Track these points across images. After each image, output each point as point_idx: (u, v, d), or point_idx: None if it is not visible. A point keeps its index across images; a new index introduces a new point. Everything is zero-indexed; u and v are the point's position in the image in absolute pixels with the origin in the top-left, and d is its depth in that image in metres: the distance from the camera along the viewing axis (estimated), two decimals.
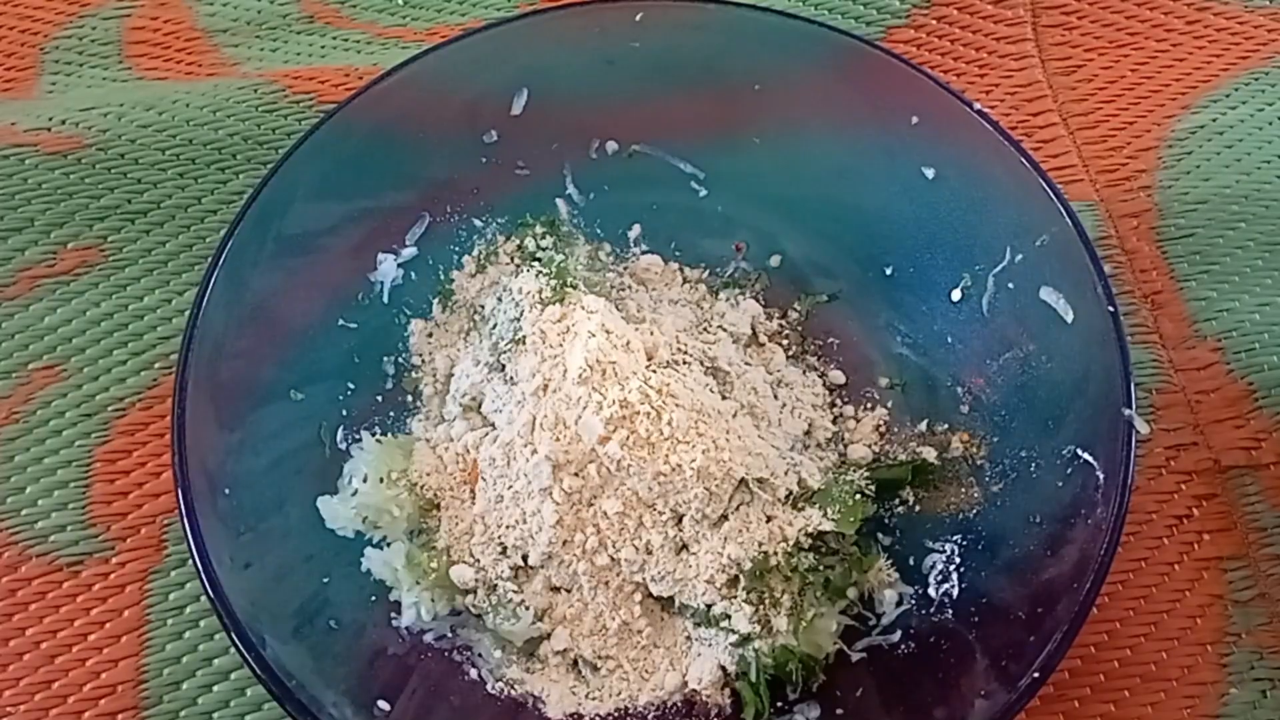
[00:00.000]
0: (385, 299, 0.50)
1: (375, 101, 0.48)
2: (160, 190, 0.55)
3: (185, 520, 0.40)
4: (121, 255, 0.54)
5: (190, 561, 0.40)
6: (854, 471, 0.47)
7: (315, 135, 0.47)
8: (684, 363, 0.48)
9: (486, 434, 0.47)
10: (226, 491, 0.42)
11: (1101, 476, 0.41)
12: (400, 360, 0.50)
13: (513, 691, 0.44)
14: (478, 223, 0.52)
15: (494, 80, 0.50)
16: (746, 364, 0.50)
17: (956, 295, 0.49)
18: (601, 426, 0.43)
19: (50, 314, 0.53)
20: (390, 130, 0.49)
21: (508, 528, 0.45)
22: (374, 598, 0.45)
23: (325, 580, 0.44)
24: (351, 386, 0.49)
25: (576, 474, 0.44)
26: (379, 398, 0.49)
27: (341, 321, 0.49)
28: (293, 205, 0.47)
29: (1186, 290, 0.54)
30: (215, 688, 0.46)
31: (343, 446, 0.47)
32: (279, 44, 0.61)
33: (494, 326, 0.49)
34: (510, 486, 0.45)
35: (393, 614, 0.45)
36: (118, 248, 0.54)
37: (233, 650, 0.44)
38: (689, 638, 0.45)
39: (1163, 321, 0.53)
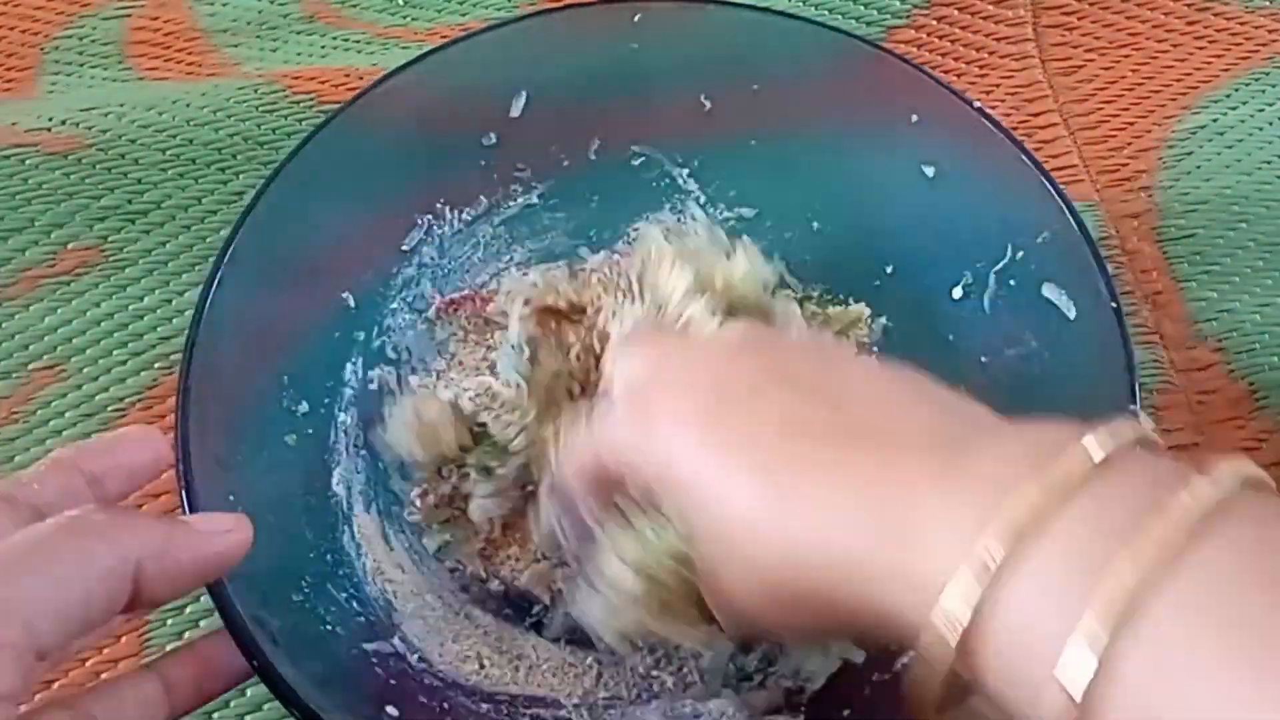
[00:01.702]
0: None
1: (374, 106, 0.48)
2: (160, 190, 0.55)
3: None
4: (121, 255, 0.54)
5: None
6: None
7: (315, 139, 0.47)
8: None
9: None
10: (231, 498, 0.42)
11: None
12: None
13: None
14: (477, 225, 0.52)
15: (492, 83, 0.50)
16: None
17: (958, 293, 0.48)
18: None
19: (50, 314, 0.52)
20: (389, 134, 0.49)
21: None
22: (379, 601, 0.45)
23: (328, 583, 0.44)
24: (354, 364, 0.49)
25: None
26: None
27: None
28: (293, 209, 0.46)
29: (1187, 291, 0.54)
30: None
31: (341, 421, 0.47)
32: (279, 44, 0.61)
33: None
34: None
35: (395, 616, 0.45)
36: (118, 248, 0.54)
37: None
38: None
39: (1163, 322, 0.53)
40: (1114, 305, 0.43)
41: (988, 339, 0.48)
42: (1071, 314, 0.44)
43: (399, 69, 0.49)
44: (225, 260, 0.44)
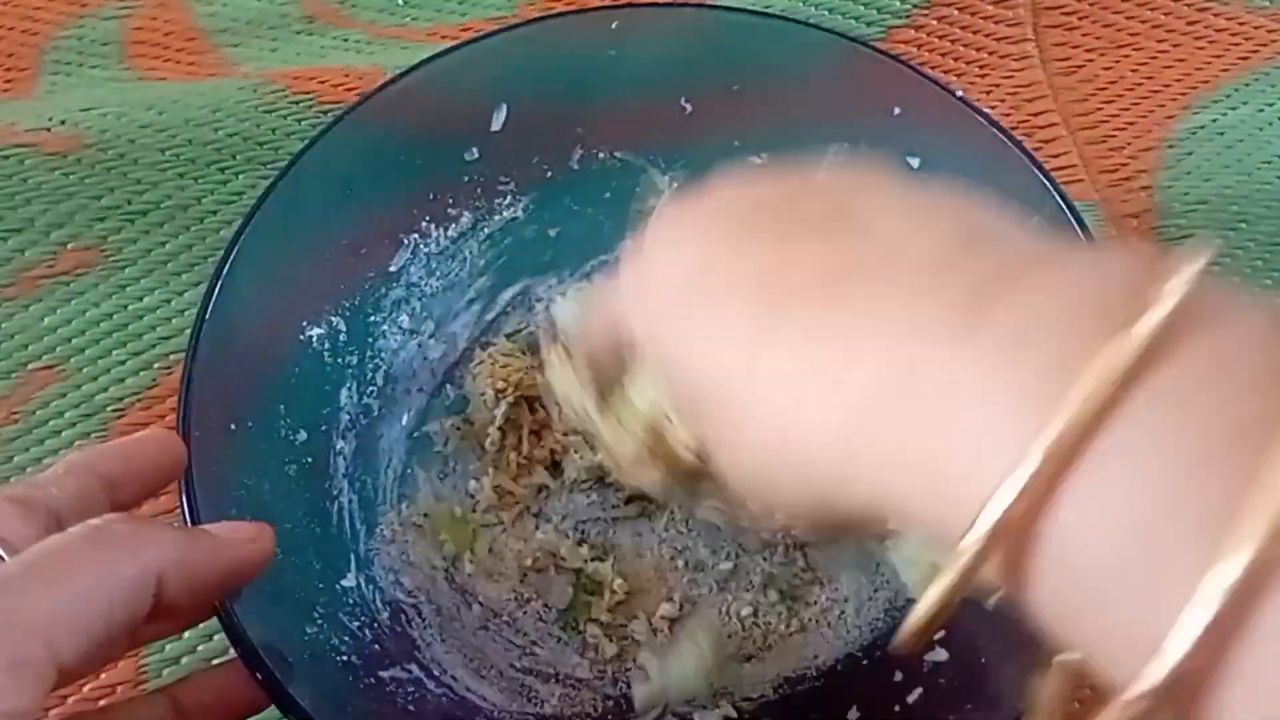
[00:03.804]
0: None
1: (349, 128, 0.47)
2: (160, 190, 0.55)
3: (189, 523, 0.39)
4: (121, 255, 0.54)
5: None
6: None
7: (294, 168, 0.46)
8: None
9: None
10: (230, 493, 0.41)
11: None
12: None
13: None
14: (463, 241, 0.52)
15: (471, 98, 0.50)
16: None
17: None
18: None
19: (50, 314, 0.53)
20: (368, 156, 0.48)
21: None
22: (393, 628, 0.45)
23: (340, 613, 0.44)
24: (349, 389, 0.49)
25: None
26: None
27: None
28: (278, 238, 0.46)
29: None
30: None
31: (339, 448, 0.47)
32: (279, 44, 0.61)
33: None
34: None
35: (410, 643, 0.45)
36: (118, 248, 0.54)
37: (232, 651, 0.44)
38: None
39: None
40: None
41: None
42: None
43: (376, 90, 0.48)
44: (214, 295, 0.43)
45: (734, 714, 0.43)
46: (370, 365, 0.50)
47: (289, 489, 0.45)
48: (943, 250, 0.24)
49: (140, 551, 0.30)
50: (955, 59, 0.60)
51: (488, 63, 0.49)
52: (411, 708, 0.42)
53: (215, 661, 0.46)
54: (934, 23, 0.61)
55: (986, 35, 0.61)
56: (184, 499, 0.39)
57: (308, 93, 0.57)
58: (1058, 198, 0.44)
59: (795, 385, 0.24)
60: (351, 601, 0.44)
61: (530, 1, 0.62)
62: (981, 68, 0.60)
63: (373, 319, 0.50)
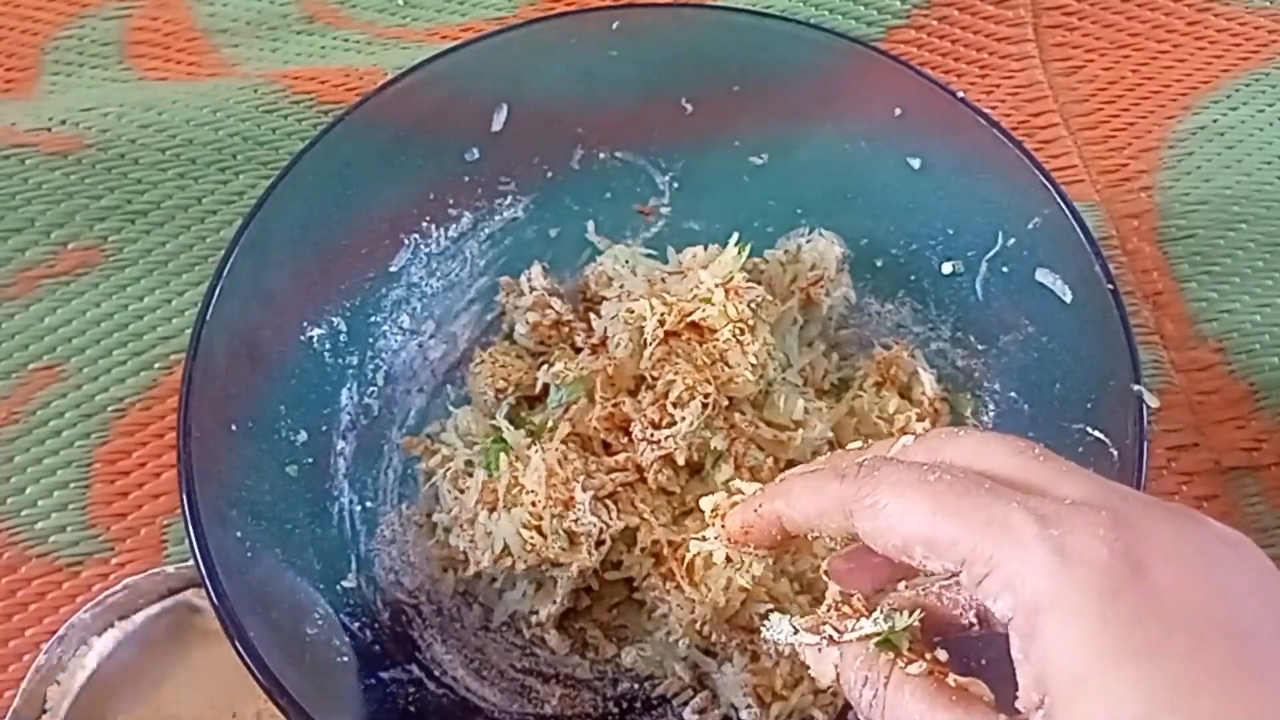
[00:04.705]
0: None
1: (351, 130, 0.47)
2: (160, 190, 0.55)
3: (189, 524, 0.39)
4: (121, 255, 0.54)
5: (189, 562, 0.40)
6: None
7: (294, 170, 0.46)
8: None
9: None
10: (239, 535, 0.41)
11: (1115, 454, 0.41)
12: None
13: None
14: (464, 241, 0.52)
15: (471, 99, 0.50)
16: None
17: (948, 268, 0.49)
18: None
19: (50, 314, 0.53)
20: (369, 158, 0.48)
21: None
22: (393, 629, 0.45)
23: (341, 614, 0.44)
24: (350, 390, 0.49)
25: None
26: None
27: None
28: (278, 239, 0.46)
29: (1187, 291, 0.54)
30: None
31: (340, 448, 0.47)
32: (279, 44, 0.61)
33: None
34: None
35: (411, 643, 0.45)
36: (118, 248, 0.54)
37: None
38: None
39: (1164, 322, 0.53)
40: (1110, 287, 0.43)
41: (983, 327, 0.48)
42: (1067, 298, 0.44)
43: (376, 90, 0.48)
44: (214, 295, 0.43)
45: (733, 714, 0.43)
46: (370, 365, 0.50)
47: (289, 489, 0.45)
48: None
49: None
50: (955, 59, 0.60)
51: (488, 63, 0.49)
52: (412, 708, 0.42)
53: None
54: (934, 23, 0.61)
55: (986, 35, 0.61)
56: (184, 499, 0.39)
57: (308, 93, 0.57)
58: (1058, 198, 0.44)
59: None
60: (352, 602, 0.44)
61: (530, 2, 0.62)
62: (981, 68, 0.60)
63: (373, 319, 0.50)
